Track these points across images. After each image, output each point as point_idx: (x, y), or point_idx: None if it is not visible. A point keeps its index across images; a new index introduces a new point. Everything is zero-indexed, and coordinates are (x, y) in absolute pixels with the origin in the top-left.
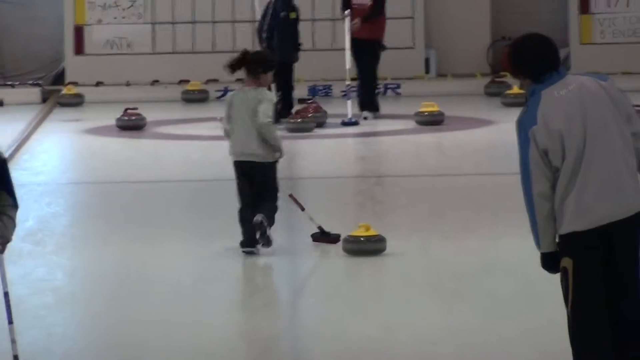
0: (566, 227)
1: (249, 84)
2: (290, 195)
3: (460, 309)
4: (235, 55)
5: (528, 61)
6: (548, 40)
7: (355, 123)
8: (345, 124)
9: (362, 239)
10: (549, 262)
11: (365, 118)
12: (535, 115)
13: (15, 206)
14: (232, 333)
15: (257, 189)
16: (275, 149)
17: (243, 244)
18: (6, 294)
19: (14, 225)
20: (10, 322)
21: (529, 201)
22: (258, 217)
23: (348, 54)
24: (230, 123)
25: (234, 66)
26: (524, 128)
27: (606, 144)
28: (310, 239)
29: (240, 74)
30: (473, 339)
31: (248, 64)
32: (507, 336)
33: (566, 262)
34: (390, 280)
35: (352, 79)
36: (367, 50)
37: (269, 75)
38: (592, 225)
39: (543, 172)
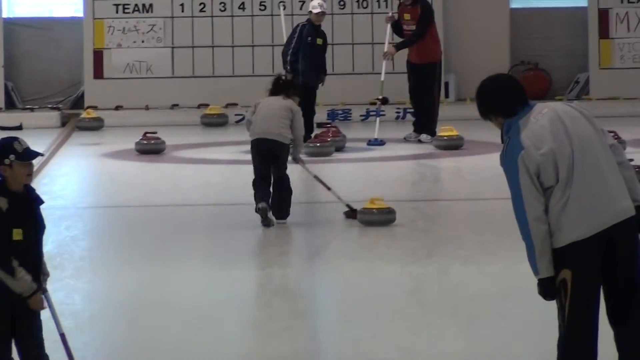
0: (565, 239)
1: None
2: (315, 177)
3: (480, 333)
4: (271, 82)
5: (499, 101)
6: (512, 77)
7: (382, 143)
8: (371, 143)
9: (374, 210)
10: (547, 288)
11: (420, 141)
12: (519, 142)
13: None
14: (249, 357)
15: (275, 172)
16: (298, 147)
17: (259, 211)
18: (62, 336)
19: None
20: None
21: (524, 228)
22: (281, 221)
23: (384, 66)
24: (254, 115)
25: (273, 92)
26: (511, 157)
27: (592, 154)
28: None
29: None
30: None
31: (280, 87)
32: None
33: (565, 273)
34: (409, 303)
35: (378, 99)
36: (421, 74)
37: (297, 99)
38: (591, 232)
39: (535, 196)
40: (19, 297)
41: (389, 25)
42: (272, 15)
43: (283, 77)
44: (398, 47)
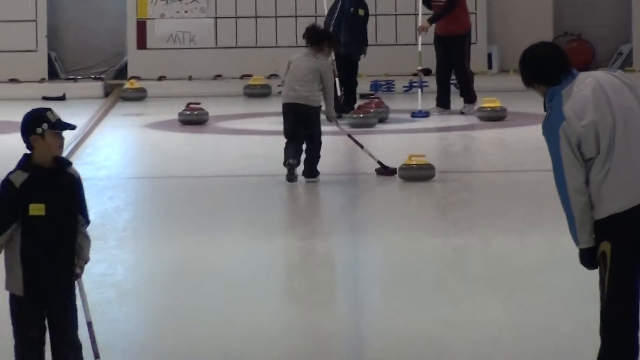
0: (605, 211)
1: (312, 50)
2: (349, 135)
3: (521, 304)
4: (305, 31)
5: (541, 69)
6: (556, 46)
7: (426, 115)
8: (415, 115)
9: (414, 166)
10: (588, 257)
11: (462, 112)
12: (561, 112)
13: (87, 222)
14: (291, 329)
15: (307, 135)
16: (329, 106)
17: (285, 161)
18: (89, 324)
19: (89, 241)
20: (97, 356)
21: (564, 198)
22: (310, 180)
23: (420, 38)
24: (286, 74)
25: (307, 42)
26: (552, 127)
27: (634, 125)
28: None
29: None
30: (533, 334)
31: (313, 38)
32: (568, 332)
33: (605, 246)
34: (450, 274)
35: (421, 70)
36: (450, 45)
37: (328, 47)
38: (632, 204)
39: (576, 167)
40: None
41: None
42: None
43: (317, 26)
44: (431, 20)
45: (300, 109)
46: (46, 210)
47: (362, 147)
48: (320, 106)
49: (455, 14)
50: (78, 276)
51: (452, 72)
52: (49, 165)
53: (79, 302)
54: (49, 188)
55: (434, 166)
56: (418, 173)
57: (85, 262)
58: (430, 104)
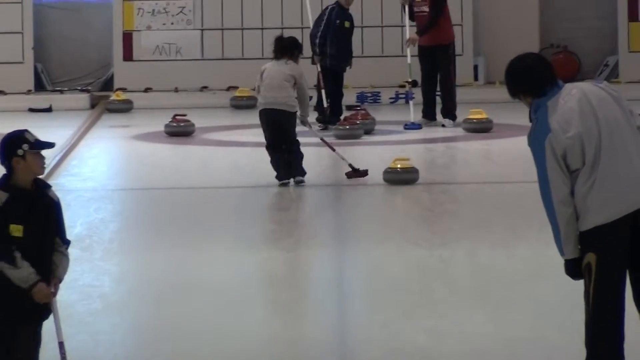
0: (590, 222)
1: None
2: (322, 139)
3: (509, 316)
4: (273, 43)
5: (527, 80)
6: (542, 57)
7: (419, 127)
8: (408, 127)
9: (399, 169)
10: (573, 268)
11: (443, 125)
12: (547, 124)
13: (67, 243)
14: (276, 339)
15: (284, 141)
16: (305, 109)
17: (279, 178)
18: (61, 344)
19: (67, 261)
20: None
21: (550, 210)
22: (299, 178)
23: (409, 50)
24: (261, 81)
25: (277, 54)
26: (538, 139)
27: (619, 137)
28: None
29: None
30: (522, 346)
31: (283, 48)
32: (555, 343)
33: (590, 257)
34: (437, 286)
35: (407, 82)
36: (435, 56)
37: (299, 58)
38: (617, 216)
39: (561, 178)
40: (24, 295)
41: (406, 8)
42: None
43: (281, 36)
44: (420, 32)
45: (277, 115)
46: (24, 232)
47: (334, 150)
48: (296, 112)
49: (439, 23)
50: (52, 295)
51: (437, 84)
52: (29, 187)
53: (51, 321)
54: (28, 210)
55: (417, 170)
56: (402, 176)
57: (59, 281)
58: (417, 116)
